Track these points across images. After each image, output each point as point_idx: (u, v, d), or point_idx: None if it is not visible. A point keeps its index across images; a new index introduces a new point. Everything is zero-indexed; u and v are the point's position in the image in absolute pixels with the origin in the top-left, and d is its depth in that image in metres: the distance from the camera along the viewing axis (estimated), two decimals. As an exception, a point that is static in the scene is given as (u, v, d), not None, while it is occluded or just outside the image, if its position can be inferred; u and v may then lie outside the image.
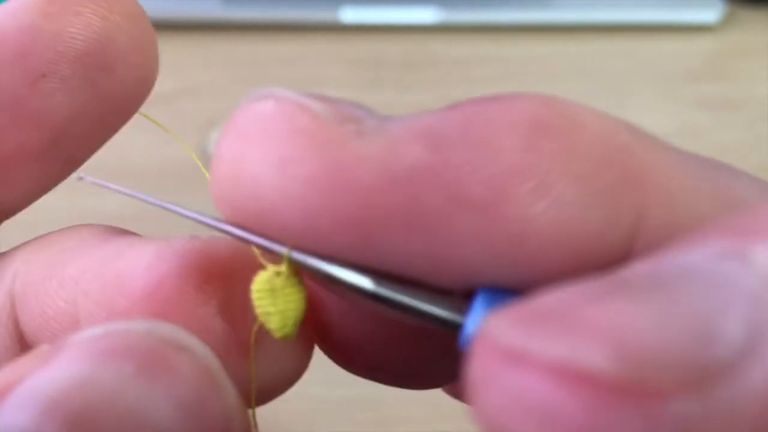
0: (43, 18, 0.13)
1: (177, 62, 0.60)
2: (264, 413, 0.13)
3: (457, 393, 0.15)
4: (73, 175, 0.14)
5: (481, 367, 0.08)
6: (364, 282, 0.11)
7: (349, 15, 0.62)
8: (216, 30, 0.62)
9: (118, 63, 0.13)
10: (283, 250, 0.11)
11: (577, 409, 0.07)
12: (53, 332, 0.13)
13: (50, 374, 0.10)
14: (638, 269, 0.08)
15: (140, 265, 0.12)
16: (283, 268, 0.12)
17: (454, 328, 0.11)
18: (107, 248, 0.13)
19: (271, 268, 0.12)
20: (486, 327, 0.08)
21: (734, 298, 0.07)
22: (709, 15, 0.64)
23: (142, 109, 0.15)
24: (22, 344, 0.14)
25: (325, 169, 0.10)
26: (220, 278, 0.12)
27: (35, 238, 0.15)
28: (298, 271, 0.12)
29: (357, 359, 0.14)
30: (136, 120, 0.15)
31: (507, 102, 0.10)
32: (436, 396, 0.17)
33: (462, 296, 0.11)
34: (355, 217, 0.10)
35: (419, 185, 0.10)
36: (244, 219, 0.11)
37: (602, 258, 0.10)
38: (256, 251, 0.12)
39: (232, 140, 0.11)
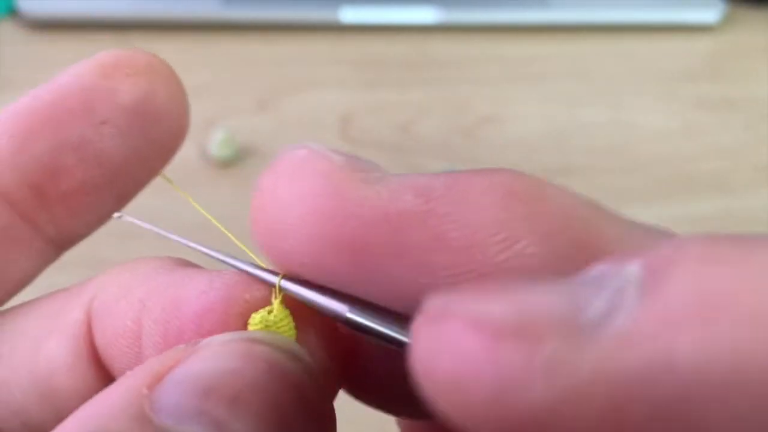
0: (101, 78, 0.16)
1: (177, 62, 0.59)
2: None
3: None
4: (114, 215, 0.17)
5: (416, 328, 0.10)
6: (341, 309, 0.14)
7: (349, 15, 0.62)
8: (216, 30, 0.62)
9: (161, 114, 0.16)
10: (274, 280, 0.14)
11: (483, 347, 0.10)
12: (120, 348, 0.15)
13: (199, 366, 0.13)
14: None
15: (194, 292, 0.14)
16: (275, 305, 0.14)
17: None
18: (172, 276, 0.15)
19: (263, 309, 0.14)
20: (426, 301, 0.11)
21: (605, 289, 0.10)
22: (709, 15, 0.64)
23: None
24: (95, 356, 0.16)
25: (335, 204, 0.13)
26: (261, 305, 0.15)
27: (117, 266, 0.17)
28: (289, 306, 0.15)
29: (371, 392, 0.16)
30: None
31: (487, 172, 0.13)
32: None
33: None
34: (354, 244, 0.13)
35: (407, 225, 0.12)
36: (273, 240, 0.14)
37: None
38: (276, 292, 0.15)
39: (271, 176, 0.14)
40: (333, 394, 0.15)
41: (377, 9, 0.62)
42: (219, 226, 0.17)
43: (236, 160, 0.51)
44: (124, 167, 0.16)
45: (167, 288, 0.15)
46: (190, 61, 0.60)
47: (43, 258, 0.17)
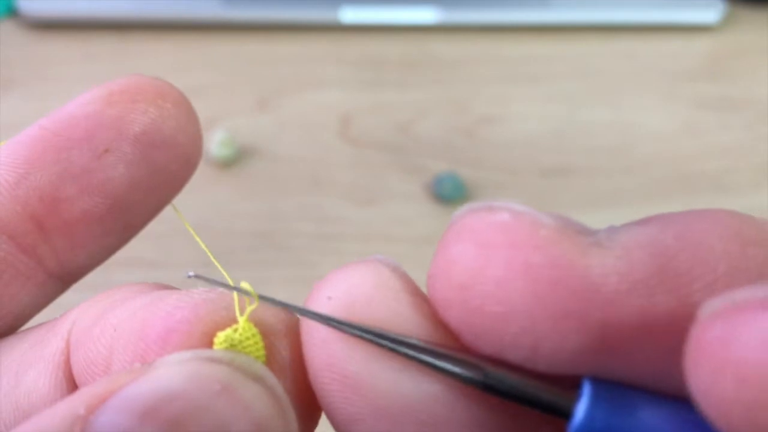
0: (107, 106, 0.15)
1: (177, 62, 0.60)
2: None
3: None
4: (185, 274, 0.16)
5: (729, 321, 0.09)
6: (475, 375, 0.12)
7: (349, 15, 0.62)
8: (216, 30, 0.62)
9: (168, 141, 0.16)
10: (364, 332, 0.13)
11: None
12: (92, 375, 0.14)
13: (146, 385, 0.12)
14: None
15: (160, 314, 0.14)
16: (241, 322, 0.14)
17: (562, 414, 0.12)
18: (144, 299, 0.14)
19: (229, 327, 0.14)
20: (731, 296, 0.10)
21: None
22: (709, 15, 0.64)
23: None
24: (73, 386, 0.15)
25: (572, 275, 0.11)
26: (228, 325, 0.14)
27: (98, 294, 0.16)
28: (259, 325, 0.14)
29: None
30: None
31: (710, 216, 0.12)
32: None
33: (560, 386, 0.12)
34: (595, 318, 0.11)
35: (648, 288, 0.11)
36: (478, 320, 0.12)
37: None
38: (237, 308, 0.14)
39: (467, 245, 0.12)
40: (309, 424, 0.15)
41: (377, 9, 0.62)
42: (202, 244, 0.16)
43: (236, 160, 0.51)
44: (129, 197, 0.16)
45: (137, 311, 0.14)
46: (190, 61, 0.60)
47: (46, 291, 0.16)
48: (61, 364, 0.15)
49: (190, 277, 0.16)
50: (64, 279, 0.17)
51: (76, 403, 0.11)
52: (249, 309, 0.14)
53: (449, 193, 0.49)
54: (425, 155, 0.53)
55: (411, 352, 0.13)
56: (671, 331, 0.11)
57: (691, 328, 0.10)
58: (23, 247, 0.16)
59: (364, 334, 0.13)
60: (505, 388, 0.12)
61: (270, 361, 0.14)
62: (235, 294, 0.14)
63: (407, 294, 0.13)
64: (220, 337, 0.14)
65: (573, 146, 0.55)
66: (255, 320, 0.14)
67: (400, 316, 0.13)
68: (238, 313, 0.14)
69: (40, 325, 0.16)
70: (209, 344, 0.14)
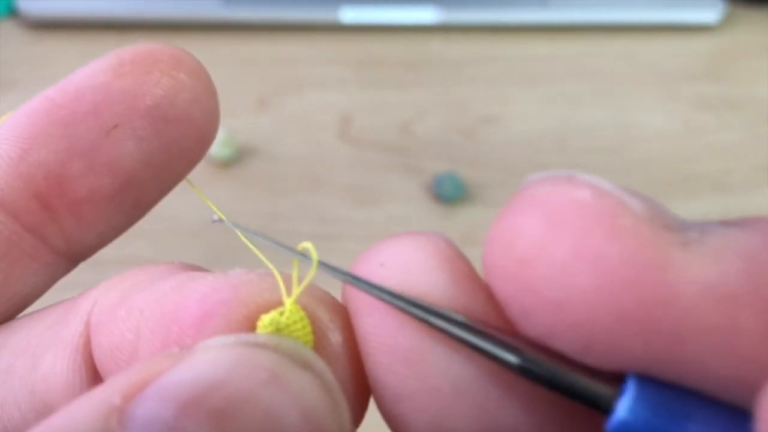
0: (116, 77, 0.14)
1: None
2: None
3: None
4: (212, 218, 0.15)
5: None
6: (511, 358, 0.11)
7: (349, 15, 0.62)
8: (216, 30, 0.62)
9: (182, 116, 0.15)
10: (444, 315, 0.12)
11: None
12: (116, 361, 0.13)
13: (187, 373, 0.11)
14: None
15: (195, 295, 0.13)
16: (288, 305, 0.13)
17: (602, 408, 0.11)
18: (174, 281, 0.13)
19: (274, 310, 0.13)
20: None
21: None
22: (709, 15, 0.64)
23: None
24: (94, 372, 0.14)
25: (647, 276, 0.10)
26: (272, 308, 0.13)
27: (119, 274, 0.15)
28: (307, 308, 0.13)
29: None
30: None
31: None
32: None
33: (607, 380, 0.11)
34: (665, 328, 0.10)
35: (737, 306, 0.10)
36: (531, 300, 0.11)
37: None
38: (283, 289, 0.13)
39: (536, 217, 0.11)
40: (359, 413, 0.14)
41: (377, 9, 0.62)
42: (236, 230, 0.16)
43: (236, 160, 0.51)
44: (139, 174, 0.15)
45: (167, 293, 0.13)
46: (190, 61, 0.60)
47: (53, 271, 0.15)
48: (80, 347, 0.14)
49: (214, 221, 0.15)
50: (72, 258, 0.16)
51: (110, 391, 0.11)
52: (296, 291, 0.13)
53: (449, 193, 0.49)
54: (425, 155, 0.53)
55: (448, 327, 0.12)
56: (751, 354, 0.10)
57: None
58: (28, 226, 0.15)
59: (412, 309, 0.12)
60: (542, 374, 0.11)
61: (318, 346, 0.13)
62: (278, 275, 0.13)
63: (460, 266, 0.13)
64: (265, 320, 0.13)
65: (573, 146, 0.55)
66: (301, 303, 0.13)
67: (449, 289, 0.12)
68: (284, 295, 0.13)
69: (57, 304, 0.15)
70: (251, 329, 0.13)
